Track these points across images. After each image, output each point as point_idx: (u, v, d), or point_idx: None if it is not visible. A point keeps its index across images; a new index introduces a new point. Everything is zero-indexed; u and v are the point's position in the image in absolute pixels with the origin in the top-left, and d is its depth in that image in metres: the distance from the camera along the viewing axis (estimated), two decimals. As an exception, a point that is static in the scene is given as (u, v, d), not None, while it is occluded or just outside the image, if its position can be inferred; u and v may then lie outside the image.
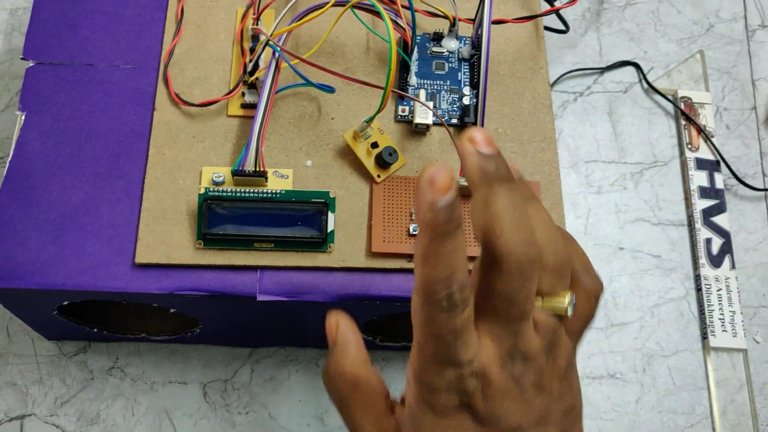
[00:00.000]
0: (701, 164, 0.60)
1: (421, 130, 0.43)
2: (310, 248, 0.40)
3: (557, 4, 0.48)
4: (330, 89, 0.41)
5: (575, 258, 0.30)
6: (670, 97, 0.62)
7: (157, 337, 0.49)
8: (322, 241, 0.39)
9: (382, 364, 0.51)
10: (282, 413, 0.49)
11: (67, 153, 0.41)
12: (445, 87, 0.44)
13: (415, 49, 0.45)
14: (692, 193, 0.58)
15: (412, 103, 0.43)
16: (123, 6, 0.45)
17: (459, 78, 0.44)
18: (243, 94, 0.42)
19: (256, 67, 0.42)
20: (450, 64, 0.45)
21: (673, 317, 0.55)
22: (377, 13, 0.40)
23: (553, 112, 0.45)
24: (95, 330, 0.47)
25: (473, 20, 0.45)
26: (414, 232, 0.40)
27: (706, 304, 0.55)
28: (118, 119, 0.42)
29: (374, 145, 0.42)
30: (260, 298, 0.39)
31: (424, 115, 0.42)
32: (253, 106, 0.42)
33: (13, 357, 0.49)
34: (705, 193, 0.59)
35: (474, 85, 0.44)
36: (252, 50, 0.43)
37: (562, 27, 0.53)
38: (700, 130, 0.60)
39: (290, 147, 0.42)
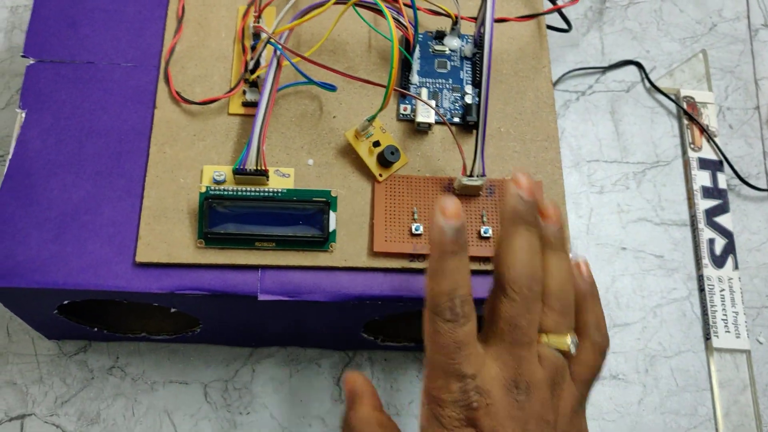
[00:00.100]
0: (704, 164, 0.59)
1: (423, 129, 0.43)
2: (311, 247, 0.39)
3: (559, 3, 0.48)
4: (332, 87, 0.41)
5: (590, 312, 0.35)
6: (673, 97, 0.61)
7: (157, 337, 0.48)
8: (323, 241, 0.39)
9: (384, 364, 0.51)
10: (283, 413, 0.49)
11: (68, 151, 0.41)
12: (448, 86, 0.44)
13: (417, 48, 0.44)
14: (695, 193, 0.58)
15: (414, 101, 0.43)
16: (123, 3, 0.44)
17: (461, 77, 0.44)
18: (244, 92, 0.42)
19: (257, 65, 0.41)
20: (452, 63, 0.45)
21: (675, 318, 0.55)
22: (379, 11, 0.39)
23: (556, 111, 0.45)
24: (95, 329, 0.47)
25: (475, 19, 0.45)
26: (416, 232, 0.40)
27: (709, 304, 0.55)
28: (119, 117, 0.42)
29: (376, 143, 0.41)
30: (261, 297, 0.39)
31: (426, 114, 0.42)
32: (254, 105, 0.42)
33: (13, 356, 0.49)
34: (708, 193, 0.58)
35: (476, 84, 0.44)
36: (253, 48, 0.42)
37: (564, 26, 0.53)
38: (703, 130, 0.60)
39: (292, 146, 0.42)
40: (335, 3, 0.40)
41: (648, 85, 0.62)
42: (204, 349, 0.50)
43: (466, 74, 0.44)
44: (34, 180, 0.40)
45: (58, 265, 0.39)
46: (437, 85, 0.44)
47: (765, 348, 0.55)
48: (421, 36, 0.45)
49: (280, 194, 0.39)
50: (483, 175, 0.40)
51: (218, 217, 0.39)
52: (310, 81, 0.41)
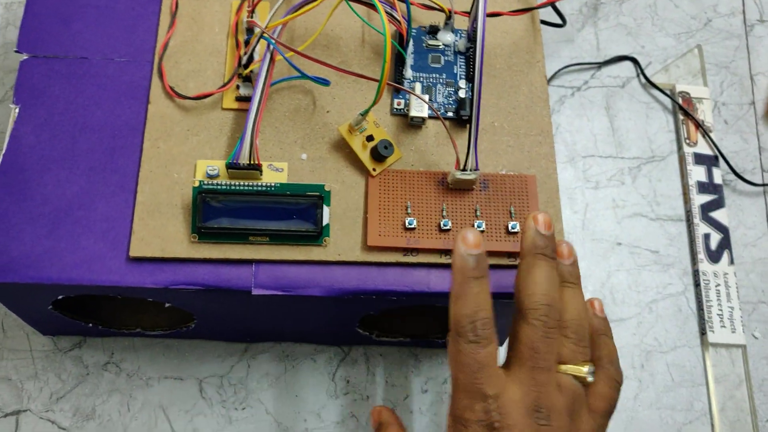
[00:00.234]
0: (699, 159, 0.59)
1: (416, 124, 0.43)
2: (305, 242, 0.39)
3: (554, -3, 0.48)
4: (325, 82, 0.41)
5: (604, 347, 0.37)
6: (668, 92, 0.61)
7: (152, 332, 0.48)
8: (317, 235, 0.39)
9: (379, 359, 0.51)
10: (278, 409, 0.49)
11: (62, 146, 0.41)
12: (441, 80, 0.44)
13: (411, 42, 0.44)
14: (690, 188, 0.58)
15: (407, 96, 0.43)
16: (117, -1, 0.45)
17: (455, 71, 0.44)
18: (238, 87, 0.42)
19: (250, 59, 0.41)
20: (446, 57, 0.45)
21: (671, 313, 0.55)
22: (372, 6, 0.39)
23: (550, 106, 0.45)
24: (90, 325, 0.47)
25: (469, 13, 0.45)
26: (410, 226, 0.40)
27: (704, 299, 0.55)
28: (113, 112, 0.42)
29: (370, 138, 0.41)
30: (255, 292, 0.39)
31: (419, 109, 0.42)
32: (247, 99, 0.42)
33: (7, 352, 0.49)
34: (703, 188, 0.58)
35: (470, 79, 0.44)
36: (247, 43, 0.42)
37: (558, 21, 0.53)
38: (699, 125, 0.60)
39: (285, 140, 0.42)
40: (328, -3, 0.40)
41: (643, 80, 0.62)
42: (199, 345, 0.50)
43: (459, 69, 0.44)
44: (28, 175, 0.40)
45: (52, 260, 0.39)
46: (431, 79, 0.44)
47: (760, 343, 0.55)
48: (414, 31, 0.45)
49: (273, 188, 0.39)
50: (476, 169, 0.40)
51: (212, 211, 0.39)
52: (304, 75, 0.41)
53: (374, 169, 0.41)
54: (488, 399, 0.32)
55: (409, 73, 0.44)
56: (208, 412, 0.49)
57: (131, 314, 0.48)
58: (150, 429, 0.48)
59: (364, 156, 0.41)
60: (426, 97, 0.43)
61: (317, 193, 0.39)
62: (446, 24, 0.45)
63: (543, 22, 0.49)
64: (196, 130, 0.42)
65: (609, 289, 0.55)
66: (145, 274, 0.39)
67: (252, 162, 0.39)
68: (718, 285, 0.56)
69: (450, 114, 0.43)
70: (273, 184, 0.39)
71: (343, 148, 0.42)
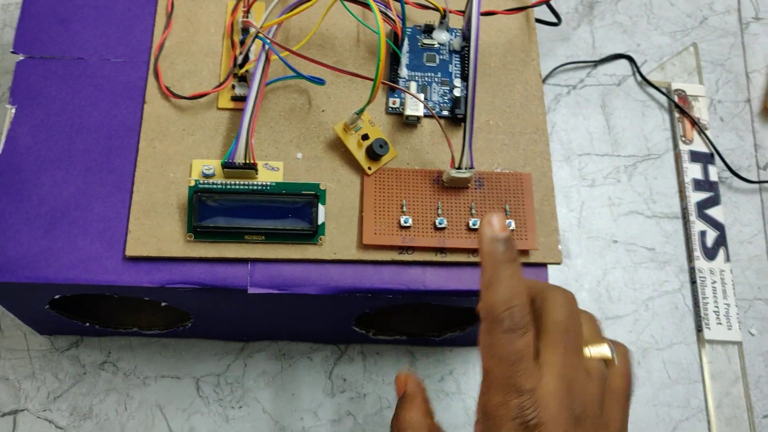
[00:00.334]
0: (695, 157, 0.59)
1: (411, 122, 0.43)
2: (300, 240, 0.40)
3: (548, -4, 0.48)
4: (320, 81, 0.41)
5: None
6: (664, 90, 0.62)
7: (149, 332, 0.49)
8: (312, 234, 0.39)
9: (376, 357, 0.51)
10: (275, 407, 0.49)
11: (58, 147, 0.41)
12: (436, 79, 0.44)
13: (406, 41, 0.45)
14: (686, 185, 0.58)
15: (402, 95, 0.43)
16: (113, 0, 0.45)
17: (450, 70, 0.44)
18: (233, 86, 0.42)
19: (246, 59, 0.42)
20: (441, 56, 0.45)
21: (667, 310, 0.55)
22: (366, 5, 0.40)
23: (545, 104, 0.45)
24: (87, 324, 0.47)
25: (464, 12, 0.45)
26: (405, 224, 0.40)
27: (700, 296, 0.55)
28: (109, 113, 0.42)
29: (365, 137, 0.42)
30: (251, 290, 0.39)
31: (414, 107, 0.42)
32: (243, 99, 0.42)
33: (5, 352, 0.49)
34: (699, 185, 0.59)
35: (465, 77, 0.44)
36: (242, 43, 0.42)
37: (554, 19, 0.53)
38: (694, 123, 0.60)
39: (281, 139, 0.42)
40: (323, -3, 0.40)
41: (639, 78, 0.62)
42: (196, 344, 0.50)
43: (455, 68, 0.45)
44: (25, 176, 0.40)
45: (49, 260, 0.39)
46: (426, 78, 0.44)
47: (756, 339, 0.55)
48: (409, 30, 0.45)
49: (269, 187, 0.40)
50: (471, 167, 0.40)
51: (207, 210, 0.39)
52: (299, 75, 0.41)
53: (369, 168, 0.41)
54: (524, 394, 0.29)
55: (404, 72, 0.44)
56: (205, 410, 0.49)
57: (128, 313, 0.48)
58: (147, 428, 0.48)
59: (360, 155, 0.41)
60: (421, 96, 0.43)
61: (312, 192, 0.40)
62: (441, 23, 0.45)
63: (538, 20, 0.49)
64: (192, 130, 0.42)
65: (605, 286, 0.55)
66: (141, 274, 0.39)
67: (247, 161, 0.39)
68: (714, 282, 0.56)
69: (445, 113, 0.43)
70: (268, 184, 0.40)
71: (338, 147, 0.42)
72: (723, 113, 0.62)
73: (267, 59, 0.40)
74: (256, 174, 0.40)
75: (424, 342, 0.51)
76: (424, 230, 0.40)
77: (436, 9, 0.45)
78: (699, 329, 0.55)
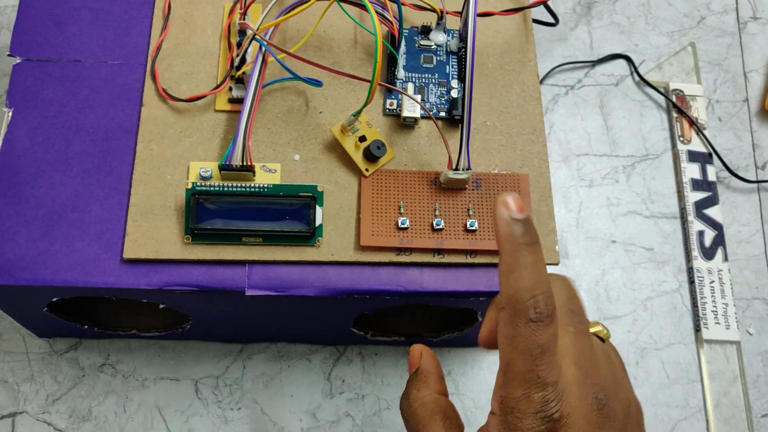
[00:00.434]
0: (693, 157, 0.59)
1: (409, 124, 0.43)
2: (298, 242, 0.40)
3: (546, -3, 0.48)
4: (317, 83, 0.41)
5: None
6: (662, 90, 0.62)
7: (147, 334, 0.49)
8: (310, 235, 0.39)
9: (375, 359, 0.51)
10: (274, 409, 0.49)
11: (56, 149, 0.41)
12: (434, 80, 0.44)
13: (403, 43, 0.45)
14: (684, 185, 0.58)
15: (400, 96, 0.43)
16: (110, 2, 0.45)
17: (447, 71, 0.44)
18: (230, 88, 0.42)
19: (243, 61, 0.42)
20: (438, 58, 0.45)
21: (666, 310, 0.55)
22: (363, 6, 0.40)
23: (543, 105, 0.45)
24: (86, 327, 0.47)
25: (460, 13, 0.45)
26: (403, 226, 0.40)
27: (699, 296, 0.55)
28: (106, 115, 0.42)
29: (362, 138, 0.42)
30: (249, 292, 0.39)
31: (412, 109, 0.42)
32: (240, 101, 0.42)
33: (3, 354, 0.49)
34: (697, 185, 0.59)
35: (462, 78, 0.44)
36: (239, 45, 0.42)
37: (551, 20, 0.53)
38: (692, 123, 0.60)
39: (278, 141, 0.42)
40: (319, -1, 0.40)
41: (637, 78, 0.62)
42: (194, 346, 0.50)
43: (452, 69, 0.45)
44: (22, 178, 0.40)
45: (47, 262, 0.39)
46: (423, 79, 0.44)
47: (755, 339, 0.55)
48: (406, 31, 0.45)
49: (266, 189, 0.40)
50: (468, 168, 0.40)
51: (205, 212, 0.39)
52: (296, 77, 0.41)
53: (367, 170, 0.41)
54: (548, 388, 0.27)
55: (401, 73, 0.44)
56: (203, 412, 0.49)
57: (126, 316, 0.48)
58: (146, 430, 0.48)
59: (357, 156, 0.41)
60: (418, 98, 0.43)
61: (310, 194, 0.40)
62: (438, 24, 0.45)
63: (535, 21, 0.49)
64: (189, 132, 0.42)
65: (604, 286, 0.55)
66: (139, 276, 0.39)
67: (245, 163, 0.39)
68: (713, 282, 0.56)
69: (442, 114, 0.43)
70: (266, 185, 0.40)
71: (335, 148, 0.42)
72: (721, 113, 0.62)
73: (264, 61, 0.40)
74: (254, 176, 0.40)
75: (423, 343, 0.51)
76: (422, 231, 0.40)
77: (433, 10, 0.45)
78: (697, 329, 0.55)
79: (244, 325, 0.47)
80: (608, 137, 0.60)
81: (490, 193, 0.42)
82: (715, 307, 0.55)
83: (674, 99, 0.61)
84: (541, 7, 0.48)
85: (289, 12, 0.41)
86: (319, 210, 0.40)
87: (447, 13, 0.45)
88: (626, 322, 0.54)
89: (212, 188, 0.39)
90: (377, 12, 0.41)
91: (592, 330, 0.31)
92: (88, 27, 0.44)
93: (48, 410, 0.48)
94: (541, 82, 0.60)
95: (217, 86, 0.42)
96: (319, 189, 0.40)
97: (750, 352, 0.55)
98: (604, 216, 0.57)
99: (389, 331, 0.49)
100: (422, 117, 0.43)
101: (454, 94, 0.44)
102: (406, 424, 0.32)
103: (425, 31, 0.45)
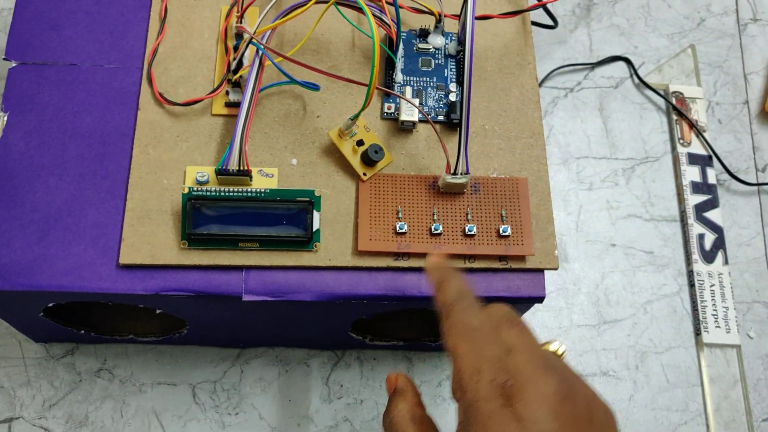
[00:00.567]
0: (693, 159, 0.59)
1: (407, 128, 0.43)
2: (295, 247, 0.39)
3: (544, -1, 0.48)
4: (315, 87, 0.41)
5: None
6: (662, 92, 0.61)
7: (144, 339, 0.48)
8: (307, 240, 0.39)
9: (373, 363, 0.51)
10: (272, 413, 0.49)
11: (51, 153, 0.41)
12: (432, 84, 0.44)
13: (401, 46, 0.44)
14: (684, 188, 0.58)
15: (398, 100, 0.43)
16: (106, 5, 0.44)
17: (445, 74, 0.44)
18: (227, 92, 0.42)
19: (240, 65, 0.41)
20: (436, 61, 0.44)
21: (666, 314, 0.55)
22: (361, 10, 0.39)
23: (542, 108, 0.45)
24: (82, 332, 0.47)
25: (459, 16, 0.45)
26: (400, 231, 0.40)
27: (699, 300, 0.55)
28: (102, 119, 0.42)
29: (360, 142, 0.41)
30: (246, 298, 0.39)
31: (409, 113, 0.42)
32: (237, 105, 0.42)
33: (0, 360, 0.49)
34: (697, 188, 0.58)
35: (461, 82, 0.44)
36: (236, 48, 0.42)
37: (550, 22, 0.53)
38: (692, 125, 0.60)
39: (275, 145, 0.42)
40: (317, 2, 0.39)
41: (636, 80, 0.62)
42: (192, 351, 0.50)
43: (450, 72, 0.44)
44: (18, 182, 0.40)
45: (43, 267, 0.39)
46: (421, 83, 0.44)
47: (755, 343, 0.55)
48: (404, 34, 0.45)
49: (263, 194, 0.39)
50: (467, 172, 0.40)
51: (201, 218, 0.39)
52: (293, 81, 0.40)
53: (365, 174, 0.41)
54: (494, 359, 0.29)
55: (399, 76, 0.44)
56: (201, 417, 0.48)
57: (123, 321, 0.48)
58: (143, 435, 0.48)
59: (355, 161, 0.41)
60: (416, 101, 0.42)
61: (307, 199, 0.39)
62: (436, 27, 0.45)
63: (535, 23, 0.49)
64: (186, 136, 0.41)
65: (603, 290, 0.55)
66: (135, 281, 0.39)
67: (241, 168, 0.39)
68: (713, 285, 0.55)
69: (441, 117, 0.43)
70: (263, 190, 0.39)
71: (333, 152, 0.42)
72: (721, 115, 0.62)
73: (261, 65, 0.40)
74: (251, 181, 0.40)
75: (421, 347, 0.51)
76: (420, 236, 0.40)
77: (432, 13, 0.44)
78: (697, 333, 0.54)
79: (241, 330, 0.47)
80: (608, 140, 0.60)
81: (488, 197, 0.41)
82: (715, 310, 0.55)
83: (674, 101, 0.61)
84: (540, 9, 0.48)
85: (286, 15, 0.40)
86: (316, 215, 0.39)
87: (445, 16, 0.45)
88: (626, 326, 0.54)
89: (209, 193, 0.39)
90: (375, 15, 0.41)
91: (546, 346, 0.32)
92: (85, 30, 0.44)
93: (44, 416, 0.48)
94: (540, 84, 0.60)
95: (214, 90, 0.42)
96: (316, 193, 0.40)
97: (750, 356, 0.54)
98: (603, 219, 0.57)
99: (387, 335, 0.49)
100: (420, 121, 0.43)
101: (452, 97, 0.43)
102: None
103: (423, 34, 0.45)
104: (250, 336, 0.49)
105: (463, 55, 0.39)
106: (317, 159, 0.41)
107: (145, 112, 0.42)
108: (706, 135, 0.60)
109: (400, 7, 0.43)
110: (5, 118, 0.41)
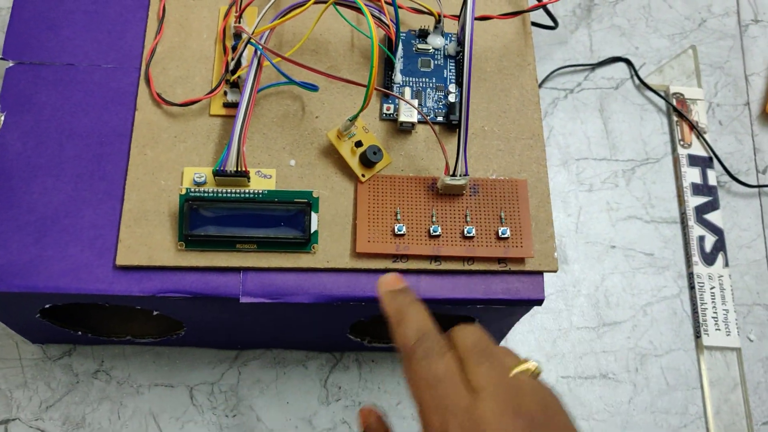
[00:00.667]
0: (694, 161, 0.59)
1: (406, 129, 0.42)
2: (293, 249, 0.39)
3: (544, 0, 0.48)
4: (313, 87, 0.41)
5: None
6: (662, 93, 0.61)
7: (142, 340, 0.48)
8: (305, 242, 0.39)
9: (371, 365, 0.51)
10: (270, 416, 0.49)
11: (49, 153, 0.41)
12: (431, 84, 0.44)
13: (400, 46, 0.44)
14: (685, 190, 0.58)
15: (397, 101, 0.43)
16: (104, 5, 0.44)
17: (445, 75, 0.44)
18: (225, 93, 0.42)
19: (238, 65, 0.41)
20: (436, 62, 0.44)
21: (666, 316, 0.55)
22: (360, 10, 0.39)
23: (542, 109, 0.44)
24: (79, 333, 0.46)
25: (458, 16, 0.44)
26: (399, 232, 0.40)
27: (699, 302, 0.55)
28: (100, 119, 0.42)
29: (358, 143, 0.41)
30: (243, 300, 0.39)
31: (408, 114, 0.42)
32: (235, 105, 0.41)
33: (-3, 361, 0.49)
34: (698, 190, 0.58)
35: (460, 83, 0.43)
36: (234, 48, 0.42)
37: (550, 23, 0.53)
38: (693, 127, 0.60)
39: (273, 146, 0.41)
40: (315, 2, 0.39)
41: (637, 81, 0.61)
42: (189, 352, 0.50)
43: (450, 73, 0.44)
44: (15, 183, 0.40)
45: (39, 268, 0.38)
46: (421, 84, 0.44)
47: (756, 345, 0.55)
48: (403, 35, 0.45)
49: (261, 195, 0.39)
50: (466, 174, 0.40)
51: (199, 219, 0.38)
52: (291, 81, 0.40)
53: (363, 175, 0.41)
54: (459, 414, 0.29)
55: (398, 77, 0.43)
56: (198, 419, 0.48)
57: (120, 322, 0.47)
58: (140, 437, 0.48)
59: (353, 162, 0.41)
60: (415, 102, 0.42)
61: (305, 200, 0.39)
62: (436, 28, 0.45)
63: (535, 24, 0.48)
64: (184, 137, 0.41)
65: (603, 292, 0.55)
66: (132, 283, 0.38)
67: (239, 169, 0.39)
68: (713, 287, 0.55)
69: (440, 119, 0.43)
70: (261, 191, 0.39)
71: (331, 153, 0.41)
72: (722, 117, 0.61)
73: (259, 65, 0.40)
74: (248, 182, 0.40)
75: (420, 349, 0.50)
76: (419, 238, 0.40)
77: (431, 13, 0.44)
78: (697, 335, 0.54)
79: (239, 332, 0.47)
80: (608, 141, 0.59)
81: (488, 199, 0.41)
82: (715, 313, 0.55)
83: (675, 102, 0.61)
84: (541, 10, 0.48)
85: (285, 15, 0.40)
86: (314, 216, 0.39)
87: (445, 16, 0.44)
88: (626, 328, 0.54)
89: (206, 194, 0.39)
90: (374, 15, 0.41)
91: (520, 368, 0.31)
92: (82, 30, 0.43)
93: (41, 417, 0.48)
94: (540, 85, 0.60)
95: (212, 90, 0.42)
96: (314, 195, 0.39)
97: (751, 359, 0.54)
98: (603, 221, 0.57)
99: (386, 337, 0.49)
100: (419, 122, 0.42)
101: (451, 98, 0.43)
102: None
103: (423, 34, 0.45)
104: (247, 338, 0.48)
105: (463, 55, 0.39)
106: (316, 160, 0.41)
107: (142, 112, 0.42)
108: (706, 136, 0.60)
109: (400, 7, 0.42)
110: (2, 118, 0.41)
